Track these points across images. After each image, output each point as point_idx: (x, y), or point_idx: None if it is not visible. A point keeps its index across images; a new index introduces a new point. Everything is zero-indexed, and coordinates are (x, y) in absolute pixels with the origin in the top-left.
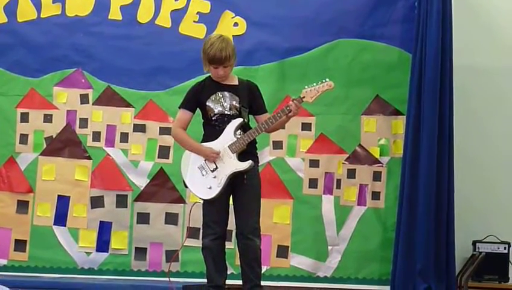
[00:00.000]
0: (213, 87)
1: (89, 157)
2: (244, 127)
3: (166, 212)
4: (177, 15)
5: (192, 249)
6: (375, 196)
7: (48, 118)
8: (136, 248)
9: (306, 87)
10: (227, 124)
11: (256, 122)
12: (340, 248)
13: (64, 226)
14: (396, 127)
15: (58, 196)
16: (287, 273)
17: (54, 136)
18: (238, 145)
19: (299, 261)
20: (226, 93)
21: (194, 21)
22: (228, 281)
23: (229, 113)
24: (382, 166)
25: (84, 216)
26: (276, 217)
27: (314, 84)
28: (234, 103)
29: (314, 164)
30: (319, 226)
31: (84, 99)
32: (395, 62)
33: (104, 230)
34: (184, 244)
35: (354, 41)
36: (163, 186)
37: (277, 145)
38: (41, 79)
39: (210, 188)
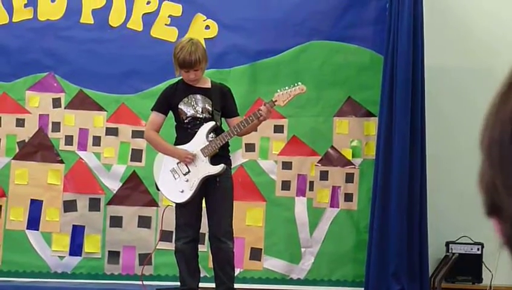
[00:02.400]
0: (185, 90)
1: (61, 161)
2: (216, 130)
3: (139, 216)
4: (149, 18)
5: (165, 252)
6: (348, 197)
7: (20, 122)
8: (109, 251)
9: (278, 90)
10: (200, 127)
11: (228, 126)
12: (313, 250)
13: (37, 230)
14: (368, 129)
15: (31, 200)
16: (260, 276)
17: (26, 141)
18: (210, 148)
19: (272, 263)
20: (199, 96)
21: (166, 24)
22: (201, 284)
23: (201, 116)
24: (355, 168)
25: (57, 220)
26: (249, 219)
27: (287, 87)
28: (206, 105)
29: (286, 166)
30: (292, 229)
31: (56, 103)
32: (367, 64)
33: (77, 234)
34: (157, 247)
35: (325, 43)
36: (136, 189)
37: (249, 147)
38: (14, 83)
39: (182, 191)
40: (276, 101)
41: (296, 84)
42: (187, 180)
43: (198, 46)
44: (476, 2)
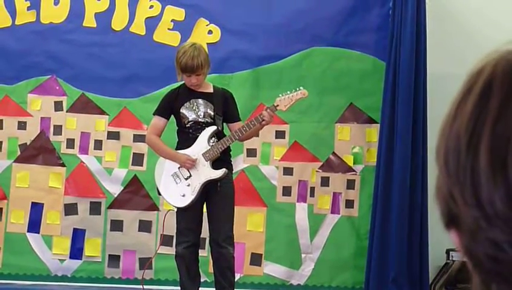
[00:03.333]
0: (187, 94)
1: (62, 165)
2: (218, 135)
3: (139, 220)
4: (152, 23)
5: (166, 257)
6: (349, 204)
7: (22, 125)
8: (109, 255)
9: (280, 95)
10: (201, 131)
11: (229, 130)
12: (313, 256)
13: (38, 233)
14: (370, 135)
15: (32, 203)
16: (261, 281)
17: (28, 144)
18: (211, 153)
19: (272, 269)
20: (200, 101)
21: (169, 29)
22: (201, 289)
23: (203, 120)
24: (356, 174)
25: (57, 223)
26: (249, 224)
27: (288, 92)
28: (208, 110)
29: (288, 171)
30: (292, 234)
31: (58, 106)
32: (369, 70)
33: (78, 237)
34: (157, 251)
35: (328, 49)
36: (137, 193)
37: (251, 153)
38: (16, 86)
39: (184, 196)
40: (277, 105)
41: (297, 89)
42: (188, 185)
43: (201, 50)
44: (479, 10)
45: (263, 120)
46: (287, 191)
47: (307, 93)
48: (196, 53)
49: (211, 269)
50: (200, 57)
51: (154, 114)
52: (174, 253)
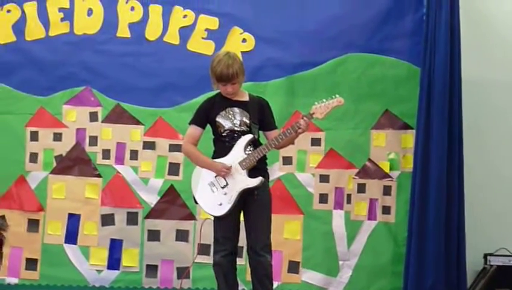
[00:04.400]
0: (223, 103)
1: (99, 175)
2: (254, 143)
3: (177, 229)
4: (186, 32)
5: (204, 266)
6: (386, 210)
7: (57, 137)
8: (147, 265)
9: (316, 103)
10: (238, 140)
11: (265, 138)
12: (351, 262)
13: (75, 244)
14: (405, 141)
15: (69, 214)
16: (298, 289)
17: (63, 155)
18: (248, 161)
19: (310, 276)
20: (236, 110)
21: (202, 38)
22: None
23: (239, 129)
24: (392, 180)
25: (94, 234)
26: (286, 232)
27: (324, 100)
28: (244, 119)
29: (324, 179)
30: (329, 241)
31: (93, 117)
32: (404, 76)
33: (115, 248)
34: (195, 261)
35: (362, 55)
36: (174, 203)
37: (287, 160)
38: (51, 97)
39: (221, 204)
40: (314, 113)
41: (333, 97)
42: (225, 193)
43: (236, 59)
44: None
45: (299, 128)
46: (323, 198)
47: (343, 101)
48: (231, 62)
49: (248, 278)
50: (235, 65)
51: (190, 123)
52: (212, 262)
